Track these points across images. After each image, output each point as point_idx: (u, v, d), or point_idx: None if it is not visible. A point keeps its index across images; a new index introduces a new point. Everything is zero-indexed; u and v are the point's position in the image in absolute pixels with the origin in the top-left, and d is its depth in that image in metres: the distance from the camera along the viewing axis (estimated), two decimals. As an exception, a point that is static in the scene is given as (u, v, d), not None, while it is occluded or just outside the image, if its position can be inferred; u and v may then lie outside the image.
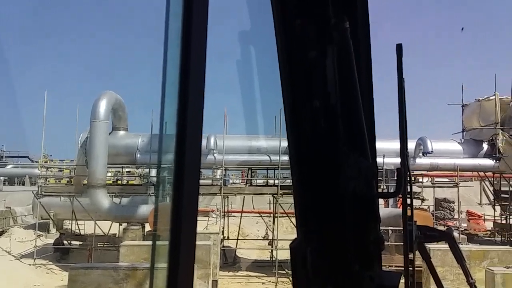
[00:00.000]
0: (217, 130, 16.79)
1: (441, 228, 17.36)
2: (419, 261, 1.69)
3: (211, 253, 11.43)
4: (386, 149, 12.41)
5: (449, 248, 1.75)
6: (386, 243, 13.35)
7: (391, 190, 1.34)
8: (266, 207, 20.72)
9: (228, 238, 18.22)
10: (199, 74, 0.71)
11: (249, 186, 18.23)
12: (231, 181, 23.01)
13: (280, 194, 15.47)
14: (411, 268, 1.40)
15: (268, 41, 1.10)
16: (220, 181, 16.59)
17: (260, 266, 16.29)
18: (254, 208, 20.63)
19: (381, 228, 1.27)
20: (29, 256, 16.02)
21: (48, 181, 18.87)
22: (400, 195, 1.33)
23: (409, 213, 1.42)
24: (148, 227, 15.68)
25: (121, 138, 17.36)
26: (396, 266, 9.60)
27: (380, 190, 10.69)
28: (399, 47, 1.24)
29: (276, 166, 16.11)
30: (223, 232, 17.34)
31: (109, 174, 19.95)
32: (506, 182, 19.71)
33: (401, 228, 1.43)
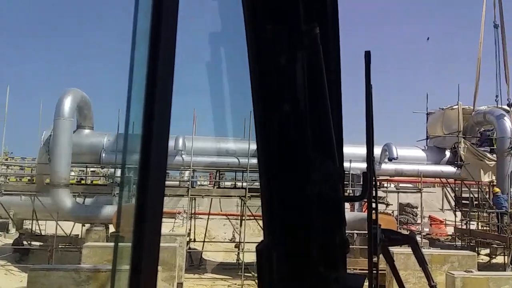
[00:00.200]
0: (186, 131, 16.67)
1: (405, 232, 17.77)
2: (383, 264, 1.72)
3: (176, 255, 11.31)
4: (353, 154, 12.61)
5: (412, 252, 1.79)
6: (351, 246, 13.54)
7: (357, 194, 1.36)
8: (233, 209, 20.69)
9: (194, 241, 18.07)
10: (167, 74, 0.70)
11: (217, 188, 18.16)
12: (198, 182, 22.87)
13: (248, 196, 15.48)
14: (375, 271, 1.42)
15: (239, 44, 1.10)
16: (188, 182, 16.45)
17: (226, 269, 16.25)
18: (221, 211, 20.56)
19: (346, 231, 1.28)
20: (-14, 257, 15.43)
21: (8, 179, 18.24)
22: (366, 199, 1.35)
23: (374, 217, 1.44)
24: (112, 228, 15.37)
25: (86, 137, 16.97)
26: (360, 269, 9.76)
27: (346, 194, 10.85)
28: (367, 54, 1.27)
29: (245, 169, 16.12)
30: (189, 234, 17.18)
31: (72, 173, 19.46)
32: (466, 189, 20.36)
33: (366, 231, 1.45)
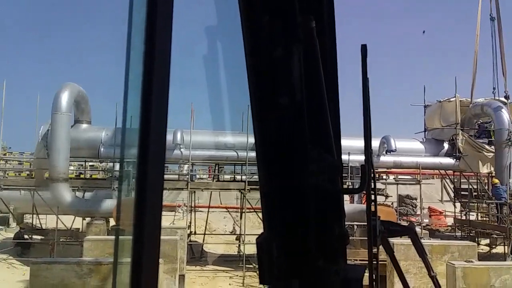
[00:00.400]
0: (184, 125, 16.66)
1: (404, 223, 17.84)
2: (383, 255, 1.73)
3: (178, 248, 11.36)
4: (351, 146, 12.63)
5: (411, 243, 1.80)
6: (351, 237, 13.59)
7: (356, 186, 1.36)
8: (233, 202, 20.74)
9: (195, 233, 18.14)
10: (164, 67, 0.70)
11: (216, 181, 18.19)
12: (198, 176, 22.89)
13: (248, 189, 15.51)
14: (375, 262, 1.43)
15: (235, 37, 1.10)
16: (187, 176, 16.48)
17: (227, 261, 16.32)
18: (221, 204, 20.61)
19: (346, 223, 1.29)
20: (-13, 251, 15.49)
21: (7, 174, 18.25)
22: (364, 191, 1.35)
23: (373, 208, 1.45)
24: (112, 222, 15.42)
25: (84, 131, 16.96)
26: (361, 260, 9.82)
27: (345, 186, 10.89)
28: (363, 48, 1.27)
29: (244, 162, 16.14)
30: (190, 227, 17.24)
31: (71, 168, 19.46)
32: (465, 180, 20.42)
33: (366, 223, 1.46)
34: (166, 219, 19.94)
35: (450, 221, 22.88)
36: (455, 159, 18.90)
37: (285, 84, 1.09)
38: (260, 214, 1.24)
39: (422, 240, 13.57)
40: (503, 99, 19.92)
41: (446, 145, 19.55)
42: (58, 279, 8.77)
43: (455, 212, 20.74)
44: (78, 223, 17.02)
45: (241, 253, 15.54)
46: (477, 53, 21.04)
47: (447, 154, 19.29)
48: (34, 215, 17.24)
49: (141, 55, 0.69)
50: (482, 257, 14.49)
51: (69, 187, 15.53)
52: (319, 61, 1.08)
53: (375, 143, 17.87)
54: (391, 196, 20.66)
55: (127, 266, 0.67)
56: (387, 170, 20.53)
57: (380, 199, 19.22)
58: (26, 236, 16.85)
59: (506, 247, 16.00)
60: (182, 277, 12.31)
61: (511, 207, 16.31)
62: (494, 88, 20.71)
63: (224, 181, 18.61)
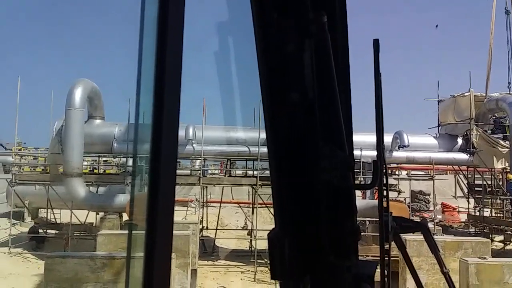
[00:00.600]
0: (196, 121, 16.72)
1: (417, 219, 17.73)
2: (395, 251, 1.73)
3: (190, 243, 11.43)
4: (364, 142, 12.58)
5: (424, 239, 1.79)
6: (363, 233, 13.57)
7: (368, 182, 1.36)
8: (245, 197, 20.79)
9: (207, 228, 18.24)
10: (176, 63, 0.70)
11: (228, 176, 18.24)
12: (210, 171, 22.96)
13: (259, 185, 15.52)
14: (387, 258, 1.43)
15: (247, 33, 1.10)
16: (199, 171, 16.55)
17: (239, 256, 16.39)
18: (233, 199, 20.67)
19: (358, 219, 1.29)
20: (3, 245, 15.74)
21: (23, 169, 18.51)
22: (376, 187, 1.35)
23: (385, 204, 1.44)
24: (125, 217, 15.56)
25: (97, 127, 17.12)
26: (372, 256, 9.77)
27: (357, 182, 10.83)
28: (376, 42, 1.26)
29: (255, 157, 16.15)
30: (201, 222, 17.33)
31: (85, 163, 19.67)
32: (479, 176, 20.20)
33: (378, 219, 1.45)
34: (178, 214, 20.06)
35: (463, 217, 22.66)
36: (469, 155, 18.69)
37: (296, 80, 1.08)
38: (272, 210, 1.24)
39: (435, 236, 13.44)
40: (518, 93, 19.65)
41: (460, 140, 19.34)
42: (72, 273, 8.88)
43: (468, 208, 20.54)
44: (92, 217, 17.22)
45: (252, 248, 15.58)
46: (492, 47, 20.77)
47: (461, 150, 19.08)
48: (49, 210, 17.49)
49: (154, 51, 0.70)
50: (496, 253, 14.34)
51: (83, 182, 15.71)
52: (331, 57, 1.07)
53: (388, 139, 17.75)
54: (404, 192, 20.53)
55: (140, 261, 0.67)
56: (400, 165, 20.38)
57: (392, 194, 19.12)
58: (40, 231, 17.09)
59: (520, 243, 15.83)
60: (194, 272, 12.39)
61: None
62: (509, 83, 20.46)
63: (236, 176, 18.66)
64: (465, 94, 19.53)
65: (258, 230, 15.28)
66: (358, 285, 1.20)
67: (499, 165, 18.75)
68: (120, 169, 19.40)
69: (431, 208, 21.41)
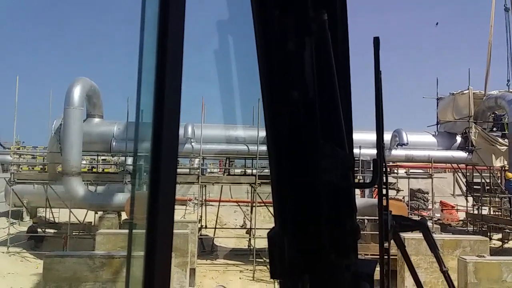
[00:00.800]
0: (195, 119, 16.71)
1: (416, 218, 17.75)
2: (394, 250, 1.73)
3: (189, 242, 11.44)
4: (363, 140, 12.57)
5: (423, 238, 1.79)
6: (362, 232, 13.55)
7: (367, 180, 1.35)
8: (244, 196, 20.79)
9: (206, 227, 18.24)
10: (176, 62, 0.70)
11: (227, 175, 18.24)
12: (209, 170, 22.96)
13: (258, 183, 15.52)
14: (386, 256, 1.43)
15: (247, 31, 1.10)
16: (198, 170, 16.54)
17: (238, 255, 16.39)
18: (232, 198, 20.67)
19: (357, 217, 1.29)
20: (2, 244, 15.72)
21: (21, 168, 18.48)
22: (376, 185, 1.35)
23: (384, 203, 1.44)
24: (124, 216, 15.56)
25: (96, 126, 17.10)
26: (371, 255, 9.79)
27: (356, 181, 10.83)
28: (376, 40, 1.26)
29: (254, 156, 16.15)
30: (200, 221, 17.33)
31: (83, 162, 19.65)
32: (478, 174, 20.22)
33: (377, 217, 1.45)
34: (177, 213, 20.05)
35: (462, 215, 22.70)
36: (467, 153, 18.69)
37: (297, 78, 1.08)
38: (271, 208, 1.24)
39: (434, 235, 13.49)
40: (517, 91, 19.65)
41: (459, 138, 19.34)
42: (70, 272, 8.88)
43: (467, 207, 20.57)
44: (91, 217, 17.20)
45: (251, 247, 15.59)
46: (491, 45, 20.76)
47: (460, 148, 19.09)
48: (48, 209, 17.47)
49: (154, 50, 0.70)
50: (494, 252, 14.38)
51: (81, 181, 15.69)
52: (331, 55, 1.07)
53: (387, 137, 17.76)
54: (403, 190, 20.55)
55: (140, 260, 0.67)
56: (399, 163, 20.39)
57: (391, 193, 19.10)
58: (39, 230, 17.08)
59: (519, 241, 15.86)
60: (193, 271, 12.40)
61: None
62: (508, 80, 20.46)
63: (235, 175, 18.66)
64: (464, 92, 19.52)
65: (257, 229, 15.29)
66: (357, 284, 1.21)
67: (497, 163, 18.77)
68: (119, 168, 19.40)
69: (430, 207, 21.43)
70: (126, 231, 0.92)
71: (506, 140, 18.38)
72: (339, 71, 1.12)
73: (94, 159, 22.95)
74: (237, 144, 16.89)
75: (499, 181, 19.56)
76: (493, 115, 20.34)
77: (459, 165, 20.61)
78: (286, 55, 1.07)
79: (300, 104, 1.09)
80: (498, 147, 18.52)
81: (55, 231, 17.32)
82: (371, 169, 1.34)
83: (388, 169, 20.68)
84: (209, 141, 16.53)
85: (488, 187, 19.68)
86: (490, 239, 16.06)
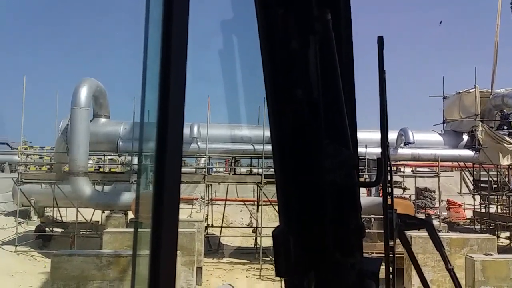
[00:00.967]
0: (201, 119, 16.74)
1: (422, 216, 17.67)
2: (401, 248, 1.73)
3: (195, 241, 11.47)
4: (369, 139, 12.51)
5: (429, 236, 1.78)
6: (368, 230, 13.56)
7: (373, 179, 1.36)
8: (250, 195, 20.79)
9: (212, 226, 18.27)
10: (181, 62, 0.71)
11: (232, 174, 18.25)
12: (215, 169, 22.99)
13: (264, 182, 15.52)
14: (391, 255, 1.43)
15: (251, 31, 1.10)
16: (204, 169, 16.57)
17: (244, 253, 16.41)
18: (238, 197, 20.68)
19: (363, 216, 1.29)
20: (10, 243, 15.84)
21: (29, 168, 18.60)
22: (381, 184, 1.35)
23: (389, 201, 1.44)
24: (131, 215, 15.62)
25: (103, 126, 17.17)
26: (377, 253, 9.76)
27: (362, 179, 10.79)
28: (380, 40, 1.26)
29: (260, 155, 16.14)
30: (207, 219, 17.37)
31: (90, 161, 19.74)
32: (485, 172, 20.09)
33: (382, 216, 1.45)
34: (184, 212, 20.11)
35: (469, 214, 22.57)
36: (474, 151, 18.58)
37: (301, 77, 1.08)
38: (277, 207, 1.24)
39: (441, 233, 13.46)
40: (524, 89, 19.47)
41: (465, 137, 19.22)
42: (78, 271, 8.94)
43: (474, 205, 20.46)
44: (98, 216, 17.29)
45: (257, 246, 15.60)
46: (497, 43, 20.59)
47: (466, 146, 18.98)
48: (55, 208, 17.58)
49: (159, 50, 0.70)
50: (502, 250, 14.29)
51: (88, 181, 15.77)
52: (335, 54, 1.07)
53: (393, 136, 17.69)
54: (409, 189, 20.46)
55: (146, 258, 0.68)
56: (405, 162, 20.31)
57: (398, 192, 19.07)
58: (47, 229, 17.18)
59: (527, 240, 15.75)
60: (199, 269, 12.43)
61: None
62: (515, 79, 20.24)
63: (240, 174, 18.66)
64: (471, 90, 19.39)
65: (263, 227, 15.29)
66: (362, 282, 1.21)
67: (505, 161, 18.63)
68: (125, 167, 19.47)
69: (437, 205, 21.33)
70: (133, 230, 0.93)
71: (513, 138, 18.25)
72: (343, 70, 1.12)
73: (101, 159, 23.05)
74: (242, 143, 16.90)
75: (506, 180, 19.43)
76: (500, 113, 20.17)
77: (466, 163, 20.49)
78: (290, 54, 1.07)
79: (304, 103, 1.09)
80: (505, 145, 18.38)
81: (63, 230, 17.43)
82: (376, 168, 1.34)
83: (395, 168, 20.61)
84: (214, 140, 16.55)
85: (496, 186, 19.55)
86: (498, 237, 15.95)
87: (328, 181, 1.12)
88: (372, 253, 9.63)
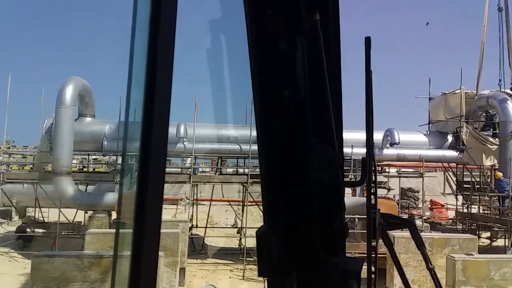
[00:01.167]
0: (188, 118, 16.68)
1: (405, 216, 17.84)
2: (384, 248, 1.74)
3: (179, 241, 11.41)
4: (355, 139, 12.59)
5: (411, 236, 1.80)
6: (352, 230, 13.65)
7: (358, 179, 1.36)
8: (235, 195, 20.77)
9: (196, 226, 18.20)
10: (167, 61, 0.70)
11: (218, 174, 18.21)
12: (200, 169, 22.91)
13: (250, 183, 15.52)
14: (374, 254, 1.44)
15: (239, 30, 1.10)
16: (190, 169, 16.50)
17: (228, 254, 16.38)
18: (223, 197, 20.64)
19: (347, 216, 1.30)
20: (-10, 244, 15.58)
21: (11, 168, 18.31)
22: (365, 184, 1.36)
23: (373, 201, 1.46)
24: (115, 215, 15.47)
25: (88, 125, 16.99)
26: (361, 253, 9.84)
27: (348, 179, 10.87)
28: (367, 40, 1.26)
29: (246, 155, 16.14)
30: (191, 220, 17.29)
31: (74, 161, 19.51)
32: (468, 173, 20.37)
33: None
34: (168, 213, 20.01)
35: (451, 214, 22.87)
36: (458, 152, 18.81)
37: (289, 78, 1.09)
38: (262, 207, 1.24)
39: (423, 233, 13.61)
40: (509, 91, 19.76)
41: (450, 138, 19.45)
42: (59, 272, 8.82)
43: (456, 205, 20.73)
44: (80, 216, 17.10)
45: (242, 247, 15.59)
46: (484, 45, 20.85)
47: (451, 147, 19.20)
48: (37, 209, 17.33)
49: (145, 49, 0.70)
50: (482, 250, 14.51)
51: (72, 181, 15.58)
52: (322, 55, 1.08)
53: (379, 136, 17.85)
54: (393, 189, 20.67)
55: (127, 259, 0.68)
56: (390, 163, 20.49)
57: (382, 192, 19.24)
58: (28, 230, 16.93)
59: (506, 240, 16.02)
60: (182, 270, 12.37)
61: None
62: (500, 80, 20.58)
63: (226, 174, 18.62)
64: (456, 91, 19.62)
65: (248, 228, 15.29)
66: (345, 281, 1.21)
67: (488, 162, 18.92)
68: (110, 167, 19.29)
69: (420, 205, 21.58)
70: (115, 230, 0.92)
71: (496, 139, 18.54)
72: (331, 71, 1.12)
73: (85, 158, 22.80)
74: (229, 143, 16.88)
75: (489, 180, 19.73)
76: (484, 114, 20.47)
77: (450, 164, 20.75)
78: (278, 55, 1.07)
79: (292, 103, 1.09)
80: (489, 146, 18.67)
81: (44, 231, 17.17)
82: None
83: (380, 168, 20.80)
84: (201, 140, 16.51)
85: (478, 186, 19.84)
86: (479, 237, 16.19)
87: (314, 181, 1.12)
88: (356, 253, 9.70)
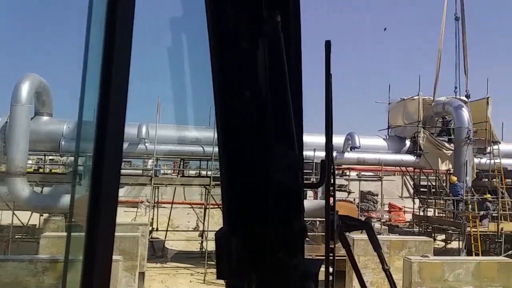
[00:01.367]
0: (150, 119, 16.42)
1: (363, 219, 18.23)
2: (344, 251, 1.77)
3: (139, 245, 11.18)
4: (317, 143, 12.79)
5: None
6: (313, 233, 13.81)
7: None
8: (197, 198, 20.61)
9: (157, 230, 17.92)
10: (124, 60, 0.68)
11: (180, 177, 18.02)
12: (162, 171, 22.61)
13: (212, 185, 15.44)
14: (331, 257, 1.45)
15: (200, 29, 1.09)
16: (151, 171, 16.25)
17: (189, 257, 16.23)
18: (185, 199, 20.44)
19: (308, 218, 1.30)
20: None
21: (-39, 168, 17.44)
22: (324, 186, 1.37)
23: (331, 203, 1.47)
24: (72, 218, 15.02)
25: (45, 124, 16.41)
26: (320, 255, 9.94)
27: (308, 182, 10.96)
28: (327, 44, 1.28)
29: (209, 157, 16.05)
30: (152, 223, 17.02)
31: (29, 161, 18.84)
32: (425, 177, 21.02)
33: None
34: (128, 215, 19.63)
35: (409, 217, 23.55)
36: (416, 156, 19.36)
37: (249, 79, 1.08)
38: (224, 210, 1.23)
39: (381, 236, 13.93)
40: (464, 98, 20.48)
41: (408, 143, 19.99)
42: (11, 277, 8.48)
43: (413, 208, 21.34)
44: (35, 219, 16.50)
45: (203, 250, 15.48)
46: (441, 52, 21.55)
47: (409, 151, 19.73)
48: (-11, 211, 16.61)
49: (101, 46, 0.68)
50: (437, 252, 15.01)
51: (26, 182, 15.00)
52: (283, 56, 1.08)
53: (340, 140, 18.17)
54: (354, 192, 21.08)
55: (80, 264, 0.65)
56: (351, 166, 20.89)
57: (343, 195, 19.59)
58: (-20, 232, 16.19)
59: (460, 242, 16.63)
60: (142, 275, 12.14)
61: (467, 203, 16.92)
62: (455, 87, 21.29)
63: (188, 176, 18.46)
64: (414, 97, 20.20)
65: (209, 231, 15.19)
66: (303, 283, 1.22)
67: (443, 166, 19.57)
68: (68, 168, 18.74)
69: (379, 208, 22.11)
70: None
71: (452, 144, 19.21)
72: (291, 73, 1.13)
73: (41, 159, 22.05)
74: (192, 145, 16.73)
75: (444, 184, 20.42)
76: (441, 120, 21.16)
77: (407, 168, 21.35)
78: (239, 55, 1.06)
79: (253, 105, 1.09)
80: (444, 151, 19.34)
81: (-3, 234, 16.46)
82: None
83: (341, 172, 21.17)
84: (163, 141, 16.27)
85: (434, 190, 20.51)
86: (434, 239, 16.76)
87: (272, 182, 1.12)
88: (317, 255, 9.81)
